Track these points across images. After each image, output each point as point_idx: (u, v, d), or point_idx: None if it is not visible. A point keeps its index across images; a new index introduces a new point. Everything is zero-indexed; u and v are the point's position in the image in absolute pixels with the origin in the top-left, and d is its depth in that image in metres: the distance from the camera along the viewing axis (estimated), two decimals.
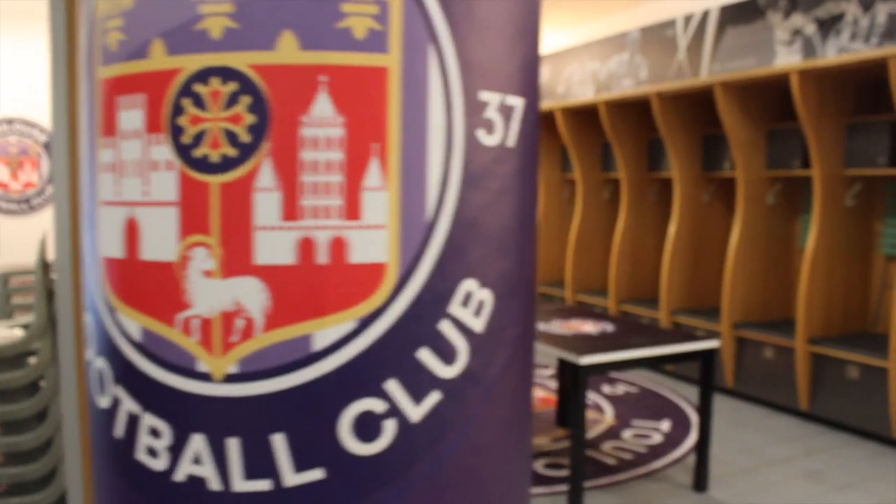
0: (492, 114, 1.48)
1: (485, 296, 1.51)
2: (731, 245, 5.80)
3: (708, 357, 4.05)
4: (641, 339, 4.07)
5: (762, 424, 5.32)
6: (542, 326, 4.38)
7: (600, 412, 5.58)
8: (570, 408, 5.32)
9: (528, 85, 1.57)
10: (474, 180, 1.46)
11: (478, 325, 1.50)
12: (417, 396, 1.44)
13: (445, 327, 1.46)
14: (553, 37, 7.83)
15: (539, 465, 4.52)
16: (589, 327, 4.37)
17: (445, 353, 1.46)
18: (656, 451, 4.79)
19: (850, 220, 5.33)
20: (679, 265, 6.42)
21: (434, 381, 1.45)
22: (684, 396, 5.95)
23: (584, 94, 7.10)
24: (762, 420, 5.41)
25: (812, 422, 5.33)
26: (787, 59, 5.07)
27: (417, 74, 1.40)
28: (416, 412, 1.44)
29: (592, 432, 5.15)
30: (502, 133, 1.50)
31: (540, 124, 1.69)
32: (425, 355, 1.44)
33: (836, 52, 4.72)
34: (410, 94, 1.40)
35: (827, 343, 5.13)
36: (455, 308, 1.47)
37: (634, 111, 6.77)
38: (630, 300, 6.95)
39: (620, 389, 6.14)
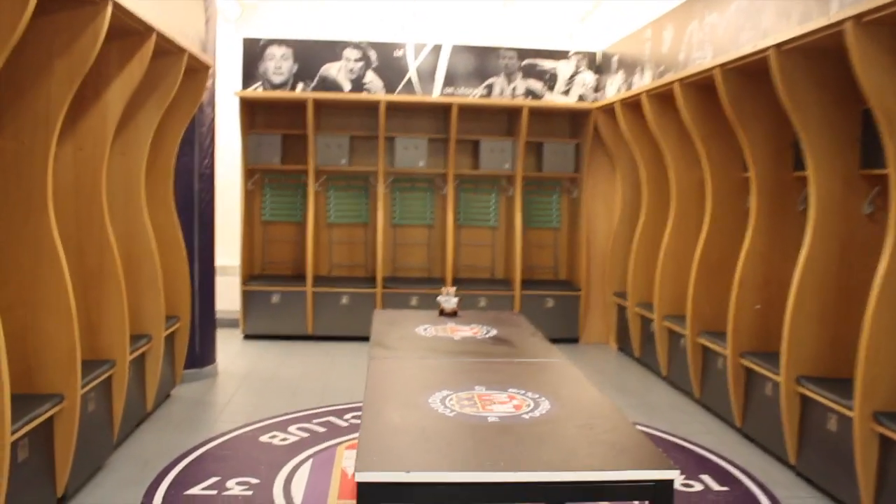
0: None
1: None
2: (875, 284, 3.61)
3: (659, 493, 2.16)
4: (548, 453, 2.29)
5: None
6: (441, 395, 2.73)
7: None
8: None
9: None
10: None
11: None
12: None
13: None
14: None
15: None
16: (505, 406, 2.64)
17: None
18: None
19: None
20: (813, 309, 4.25)
21: None
22: None
23: (703, 60, 5.08)
24: None
25: None
26: None
27: None
28: None
29: None
30: None
31: None
32: None
33: None
34: None
35: None
36: None
37: (765, 79, 4.62)
38: (753, 353, 4.83)
39: (700, 482, 4.14)
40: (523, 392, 2.82)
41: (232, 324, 7.78)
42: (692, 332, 5.56)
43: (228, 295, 7.63)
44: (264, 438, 4.74)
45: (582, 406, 2.71)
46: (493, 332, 4.04)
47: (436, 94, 7.34)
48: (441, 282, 7.60)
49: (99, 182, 4.10)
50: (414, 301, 7.50)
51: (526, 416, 2.53)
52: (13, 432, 3.04)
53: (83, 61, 3.45)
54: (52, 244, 3.47)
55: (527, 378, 3.06)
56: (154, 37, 4.15)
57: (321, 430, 4.93)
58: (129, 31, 4.04)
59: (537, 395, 2.78)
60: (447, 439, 2.32)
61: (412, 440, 2.31)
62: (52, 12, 3.43)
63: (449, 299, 4.60)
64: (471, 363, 3.36)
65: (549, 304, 7.69)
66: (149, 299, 4.85)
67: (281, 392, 5.79)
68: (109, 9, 3.47)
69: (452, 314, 4.56)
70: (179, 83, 4.91)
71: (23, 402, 3.32)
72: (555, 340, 7.55)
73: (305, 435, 4.82)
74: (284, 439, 4.73)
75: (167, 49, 4.59)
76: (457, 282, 7.64)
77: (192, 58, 4.97)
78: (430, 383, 2.96)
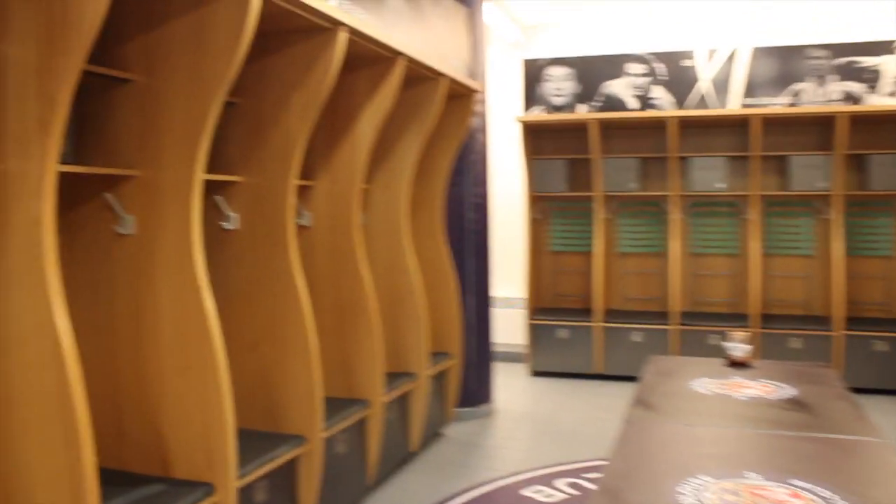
0: None
1: None
2: None
3: None
4: None
5: None
6: (698, 482, 2.10)
7: None
8: None
9: None
10: None
11: None
12: None
13: None
14: None
15: None
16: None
17: None
18: None
19: None
20: None
21: None
22: None
23: None
24: None
25: None
26: None
27: None
28: None
29: None
30: None
31: None
32: None
33: None
34: None
35: None
36: None
37: None
38: None
39: None
40: (814, 487, 2.08)
41: (518, 358, 7.50)
42: None
43: (514, 328, 7.37)
44: (527, 492, 4.31)
45: None
46: (791, 391, 3.24)
47: (733, 106, 6.47)
48: (745, 318, 6.67)
49: (351, 215, 3.98)
50: (713, 340, 6.64)
51: None
52: (246, 474, 2.93)
53: (318, 92, 3.31)
54: (293, 281, 3.36)
55: (823, 465, 2.30)
56: (402, 62, 3.95)
57: (592, 487, 4.38)
58: (375, 57, 3.88)
59: (833, 495, 2.03)
60: None
61: None
62: (290, 45, 3.34)
63: (738, 346, 3.84)
64: (750, 437, 2.64)
65: (879, 347, 6.39)
66: (412, 336, 4.67)
67: (557, 437, 5.33)
68: (342, 35, 3.30)
69: (742, 365, 3.80)
70: (442, 110, 4.72)
71: (264, 442, 3.25)
72: (890, 392, 6.31)
73: (573, 493, 4.31)
74: (549, 496, 4.26)
75: (422, 75, 4.39)
76: (764, 318, 6.65)
77: (454, 82, 4.74)
78: (688, 463, 2.33)
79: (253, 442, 3.22)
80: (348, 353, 4.06)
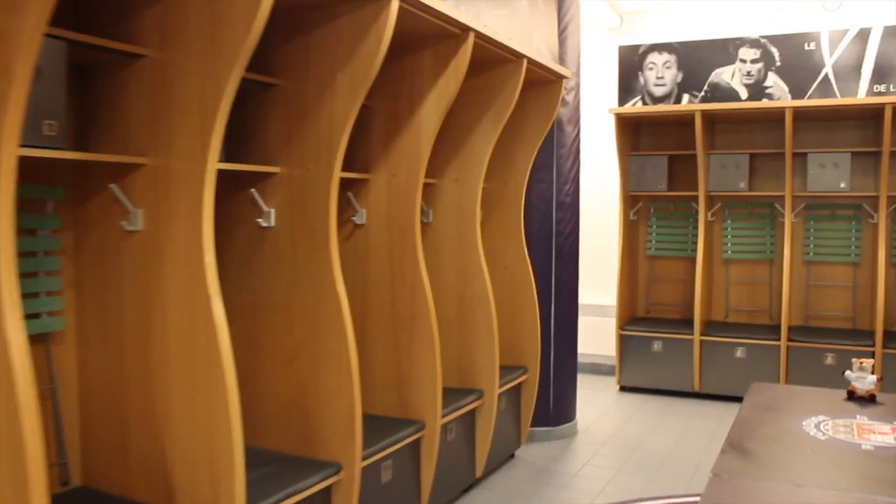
0: None
1: None
2: None
3: None
4: None
5: None
6: None
7: None
8: None
9: None
10: None
11: None
12: None
13: None
14: None
15: None
16: None
17: None
18: None
19: None
20: None
21: None
22: None
23: None
24: None
25: None
26: None
27: None
28: None
29: None
30: None
31: None
32: None
33: None
34: None
35: None
36: None
37: None
38: None
39: None
40: None
41: (606, 371, 6.94)
42: None
43: (604, 339, 6.83)
44: None
45: None
46: None
47: (861, 95, 5.70)
48: (868, 336, 5.90)
49: (412, 213, 3.54)
50: (829, 359, 5.91)
51: None
52: None
53: (367, 71, 2.88)
54: (334, 289, 2.95)
55: None
56: (471, 38, 3.47)
57: None
58: (440, 34, 3.42)
59: None
60: None
61: None
62: (335, 18, 2.93)
63: (862, 377, 3.20)
64: None
65: None
66: (481, 348, 4.20)
67: (643, 465, 4.76)
68: (394, 4, 2.85)
69: (868, 399, 3.16)
70: (524, 97, 4.24)
71: (293, 470, 2.85)
72: None
73: None
74: None
75: (498, 56, 3.91)
76: (890, 337, 5.87)
77: (538, 66, 4.24)
78: None
79: (280, 469, 2.83)
80: (403, 368, 3.63)
